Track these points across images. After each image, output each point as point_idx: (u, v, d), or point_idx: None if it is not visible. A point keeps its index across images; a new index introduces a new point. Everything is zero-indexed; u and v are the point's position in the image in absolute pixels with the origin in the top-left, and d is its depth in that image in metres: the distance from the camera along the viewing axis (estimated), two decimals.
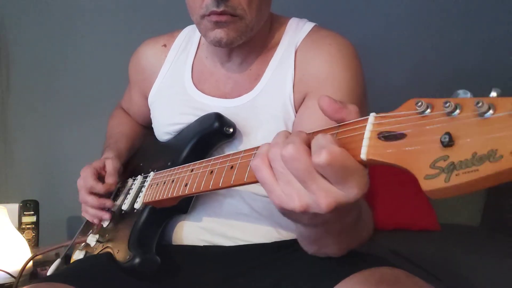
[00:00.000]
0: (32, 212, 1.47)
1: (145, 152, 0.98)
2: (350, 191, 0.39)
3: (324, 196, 0.39)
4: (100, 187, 0.83)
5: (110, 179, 0.85)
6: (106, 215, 0.85)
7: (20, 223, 1.45)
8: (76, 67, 1.78)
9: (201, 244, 0.80)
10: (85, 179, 0.83)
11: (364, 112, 0.76)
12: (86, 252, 0.88)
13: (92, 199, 0.83)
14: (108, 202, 0.85)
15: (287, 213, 0.44)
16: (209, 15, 0.71)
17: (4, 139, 1.70)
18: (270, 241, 0.78)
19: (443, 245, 1.62)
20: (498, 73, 2.12)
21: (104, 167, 0.87)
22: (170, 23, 0.96)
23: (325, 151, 0.38)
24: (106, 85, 1.69)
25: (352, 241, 0.59)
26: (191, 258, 0.79)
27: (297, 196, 0.41)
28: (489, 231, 1.87)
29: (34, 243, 1.44)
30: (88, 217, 0.87)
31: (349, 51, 0.77)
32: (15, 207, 1.46)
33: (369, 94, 0.80)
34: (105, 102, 1.14)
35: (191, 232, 0.80)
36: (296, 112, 0.77)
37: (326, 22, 0.88)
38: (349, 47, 0.78)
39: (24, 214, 1.46)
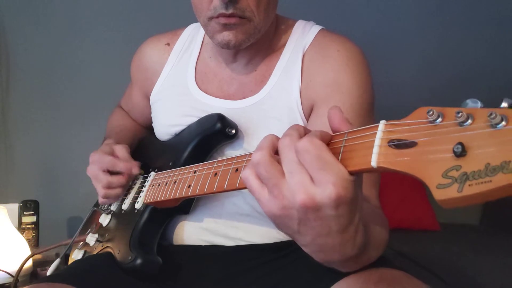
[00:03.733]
0: (32, 212, 1.46)
1: (145, 150, 0.97)
2: (325, 188, 0.40)
3: (302, 191, 0.41)
4: (122, 165, 0.79)
5: (131, 163, 0.81)
6: (136, 169, 0.81)
7: (20, 223, 1.45)
8: (77, 67, 1.78)
9: (203, 244, 0.80)
10: (101, 159, 0.79)
11: (372, 119, 0.77)
12: (85, 252, 0.87)
13: (116, 176, 0.80)
14: (134, 168, 0.81)
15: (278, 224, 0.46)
16: (217, 17, 0.70)
17: (4, 139, 1.70)
18: (271, 242, 0.79)
19: (443, 244, 1.63)
20: (502, 70, 2.12)
21: (113, 152, 0.82)
22: (172, 23, 0.95)
23: (306, 138, 0.41)
24: (107, 85, 1.69)
25: (360, 264, 0.58)
26: (192, 257, 0.79)
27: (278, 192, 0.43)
28: (489, 230, 1.88)
29: (34, 243, 1.44)
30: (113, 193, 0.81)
31: (358, 57, 0.76)
32: (15, 207, 1.46)
33: (374, 92, 0.79)
34: (106, 102, 1.13)
35: (192, 232, 0.80)
36: (306, 118, 0.77)
37: (330, 21, 0.88)
38: (358, 53, 0.77)
39: (24, 214, 1.45)
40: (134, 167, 0.81)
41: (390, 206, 1.77)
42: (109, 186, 0.79)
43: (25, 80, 1.73)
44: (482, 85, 2.11)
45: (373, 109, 0.78)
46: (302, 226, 0.44)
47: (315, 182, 0.41)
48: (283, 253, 0.77)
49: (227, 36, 0.72)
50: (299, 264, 0.71)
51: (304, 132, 0.45)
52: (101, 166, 0.79)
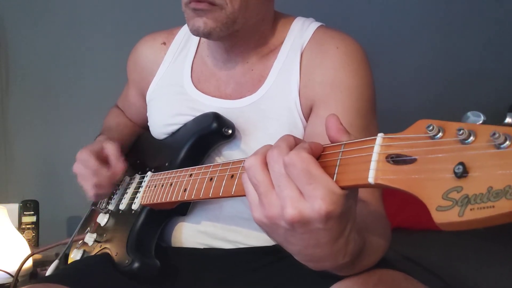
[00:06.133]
0: (32, 212, 1.46)
1: (142, 148, 0.96)
2: (314, 202, 0.39)
3: (290, 205, 0.40)
4: (105, 172, 0.78)
5: (119, 165, 0.79)
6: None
7: (20, 223, 1.45)
8: (76, 67, 1.77)
9: (201, 247, 0.79)
10: (87, 163, 0.77)
11: (373, 119, 0.75)
12: (84, 251, 0.87)
13: (102, 178, 0.78)
14: (117, 176, 0.80)
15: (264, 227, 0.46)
16: (189, 2, 0.70)
17: (4, 139, 1.69)
18: (271, 244, 0.77)
19: (444, 245, 1.62)
20: (505, 72, 2.10)
21: (102, 150, 0.81)
22: (171, 21, 0.94)
23: (293, 152, 0.40)
24: (106, 85, 1.67)
25: (357, 268, 0.57)
26: (191, 260, 0.78)
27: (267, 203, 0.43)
28: (490, 232, 1.86)
29: (34, 243, 1.44)
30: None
31: (357, 54, 0.74)
32: (15, 207, 1.46)
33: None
34: (105, 102, 1.13)
35: (190, 235, 0.80)
36: (305, 118, 0.75)
37: (330, 20, 0.86)
38: (358, 50, 0.75)
39: (24, 214, 1.45)
40: (117, 175, 0.80)
41: (393, 206, 1.75)
42: (99, 186, 0.78)
43: (25, 79, 1.72)
44: (484, 86, 2.09)
45: (375, 109, 0.76)
46: (289, 237, 0.44)
47: (304, 196, 0.40)
48: (282, 256, 0.75)
49: (197, 22, 0.71)
50: (298, 267, 0.69)
51: (294, 143, 0.43)
52: (86, 166, 0.78)
